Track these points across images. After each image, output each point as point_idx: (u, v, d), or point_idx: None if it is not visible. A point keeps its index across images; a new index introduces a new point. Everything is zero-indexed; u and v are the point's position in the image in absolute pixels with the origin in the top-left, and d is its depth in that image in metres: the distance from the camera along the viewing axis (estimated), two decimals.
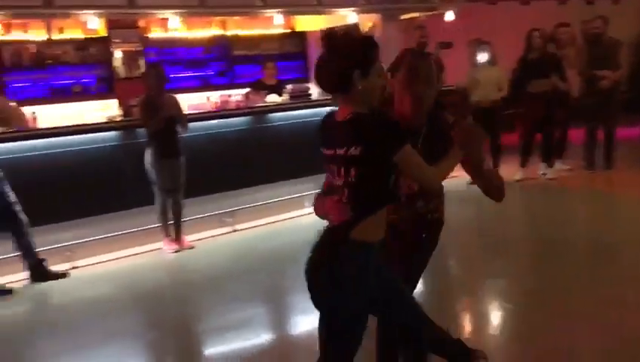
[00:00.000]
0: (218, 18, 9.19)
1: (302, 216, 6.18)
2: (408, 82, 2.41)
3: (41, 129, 5.88)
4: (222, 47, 9.54)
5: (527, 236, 5.61)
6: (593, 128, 7.30)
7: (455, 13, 8.22)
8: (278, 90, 7.19)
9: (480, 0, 9.55)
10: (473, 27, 9.16)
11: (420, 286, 4.46)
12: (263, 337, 3.77)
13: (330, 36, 2.40)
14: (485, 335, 3.65)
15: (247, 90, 7.60)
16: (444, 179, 2.34)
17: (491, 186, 2.61)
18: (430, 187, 2.40)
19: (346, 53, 2.20)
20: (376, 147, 2.12)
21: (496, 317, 3.90)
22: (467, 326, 3.83)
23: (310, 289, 2.26)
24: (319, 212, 2.39)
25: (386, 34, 8.09)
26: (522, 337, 3.49)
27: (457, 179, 7.67)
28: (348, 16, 7.91)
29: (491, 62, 7.15)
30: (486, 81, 7.07)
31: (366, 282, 2.20)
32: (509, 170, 7.41)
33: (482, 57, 7.09)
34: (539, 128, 7.12)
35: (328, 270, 2.19)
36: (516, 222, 6.06)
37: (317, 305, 2.27)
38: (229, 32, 9.59)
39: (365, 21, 8.63)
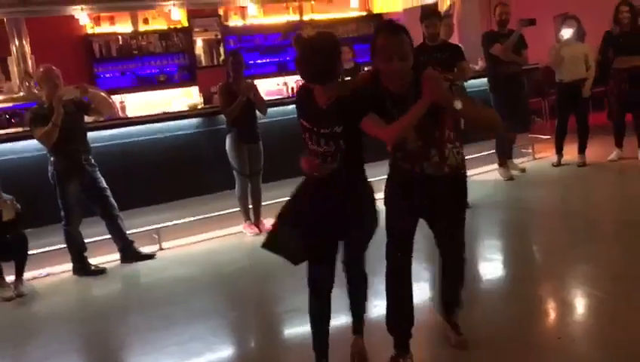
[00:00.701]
0: (295, 3, 9.26)
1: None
2: (384, 62, 2.67)
3: (129, 117, 6.17)
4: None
5: (616, 220, 5.33)
6: None
7: None
8: (354, 73, 7.16)
9: None
10: (559, 1, 8.75)
11: (503, 270, 4.43)
12: (341, 318, 3.80)
13: (308, 38, 2.97)
14: (570, 321, 3.52)
15: None
16: (408, 127, 2.65)
17: (479, 117, 2.83)
18: (389, 140, 2.79)
19: (329, 52, 2.69)
20: (354, 123, 2.68)
21: (581, 303, 3.74)
22: (551, 312, 3.71)
23: (337, 216, 2.81)
24: (307, 169, 2.87)
25: (465, 11, 7.88)
26: (611, 324, 3.34)
27: (542, 161, 7.45)
28: None
29: (578, 37, 6.79)
30: (571, 57, 6.72)
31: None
32: (601, 151, 7.07)
33: (567, 32, 6.72)
34: (628, 107, 6.72)
35: (358, 199, 2.85)
36: (606, 205, 5.78)
37: (343, 227, 2.84)
38: (306, 17, 9.65)
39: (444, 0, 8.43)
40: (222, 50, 9.05)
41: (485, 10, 8.22)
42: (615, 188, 6.42)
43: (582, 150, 6.94)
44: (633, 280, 3.82)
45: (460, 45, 6.15)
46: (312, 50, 2.71)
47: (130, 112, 7.24)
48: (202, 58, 9.10)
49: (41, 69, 5.10)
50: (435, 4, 8.31)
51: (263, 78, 8.97)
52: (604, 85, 7.05)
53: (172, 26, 8.68)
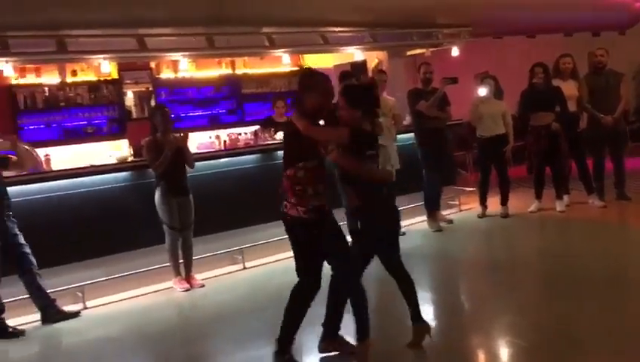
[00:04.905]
0: (227, 58, 9.37)
1: None
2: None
3: (54, 171, 5.98)
4: (231, 85, 9.72)
5: (537, 269, 5.56)
6: (600, 160, 7.32)
7: (460, 49, 8.31)
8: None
9: (486, 35, 9.65)
10: (480, 61, 9.26)
11: (430, 321, 4.49)
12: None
13: None
14: None
15: (257, 127, 7.71)
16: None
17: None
18: None
19: None
20: None
21: (505, 353, 3.85)
22: None
23: None
24: None
25: (392, 70, 8.20)
26: None
27: (468, 212, 7.70)
28: (354, 54, 8.03)
29: (497, 95, 7.19)
30: (489, 114, 7.10)
31: None
32: (522, 203, 7.41)
33: (483, 91, 7.11)
34: (546, 161, 7.12)
35: None
36: (527, 256, 6.01)
37: None
38: (239, 71, 9.77)
39: (372, 57, 8.76)
40: (153, 102, 8.98)
41: (411, 68, 8.59)
42: (535, 238, 6.71)
43: (504, 202, 7.26)
44: (555, 329, 3.97)
45: None
46: None
47: (56, 166, 7.01)
48: (133, 110, 8.99)
49: None
50: (364, 62, 8.62)
51: (195, 131, 8.93)
52: (524, 140, 7.46)
53: (101, 78, 8.56)
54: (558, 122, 6.89)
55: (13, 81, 8.00)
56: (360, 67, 8.29)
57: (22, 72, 8.00)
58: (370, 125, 3.68)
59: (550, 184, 7.27)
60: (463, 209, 7.87)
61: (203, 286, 5.67)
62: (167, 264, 5.67)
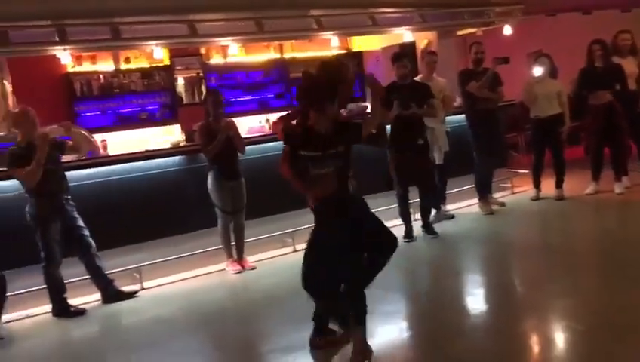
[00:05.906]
0: (276, 42, 9.39)
1: None
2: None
3: (110, 156, 6.15)
4: (280, 69, 9.74)
5: (594, 252, 5.42)
6: None
7: (513, 28, 8.09)
8: None
9: (539, 12, 9.36)
10: (533, 40, 9.00)
11: (485, 305, 4.45)
12: (326, 357, 3.78)
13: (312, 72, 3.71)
14: (552, 356, 3.55)
15: None
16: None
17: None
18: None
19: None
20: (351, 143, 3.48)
21: (562, 337, 3.77)
22: (532, 346, 3.74)
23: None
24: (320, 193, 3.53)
25: (442, 50, 8.06)
26: (593, 358, 3.37)
27: (520, 195, 7.52)
28: (404, 35, 7.93)
29: (551, 75, 6.97)
30: (544, 94, 6.89)
31: None
32: (578, 185, 7.20)
33: (538, 71, 6.90)
34: (605, 141, 6.88)
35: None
36: (584, 238, 5.86)
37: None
38: (286, 55, 9.78)
39: (421, 38, 8.63)
40: (203, 87, 9.11)
41: (461, 49, 8.43)
42: (593, 221, 6.52)
43: (559, 184, 7.06)
44: (613, 313, 3.86)
45: (428, 84, 6.29)
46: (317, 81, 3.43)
47: (112, 151, 7.22)
48: (183, 96, 9.15)
49: (18, 110, 5.10)
50: (412, 44, 8.50)
51: (245, 115, 9.04)
52: (580, 121, 7.22)
53: (154, 65, 8.73)
54: (617, 101, 6.64)
55: (70, 69, 8.25)
56: (402, 52, 8.19)
57: (78, 60, 8.24)
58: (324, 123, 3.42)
59: (608, 165, 7.03)
60: (516, 191, 7.71)
61: (254, 268, 5.76)
62: (220, 246, 5.78)
